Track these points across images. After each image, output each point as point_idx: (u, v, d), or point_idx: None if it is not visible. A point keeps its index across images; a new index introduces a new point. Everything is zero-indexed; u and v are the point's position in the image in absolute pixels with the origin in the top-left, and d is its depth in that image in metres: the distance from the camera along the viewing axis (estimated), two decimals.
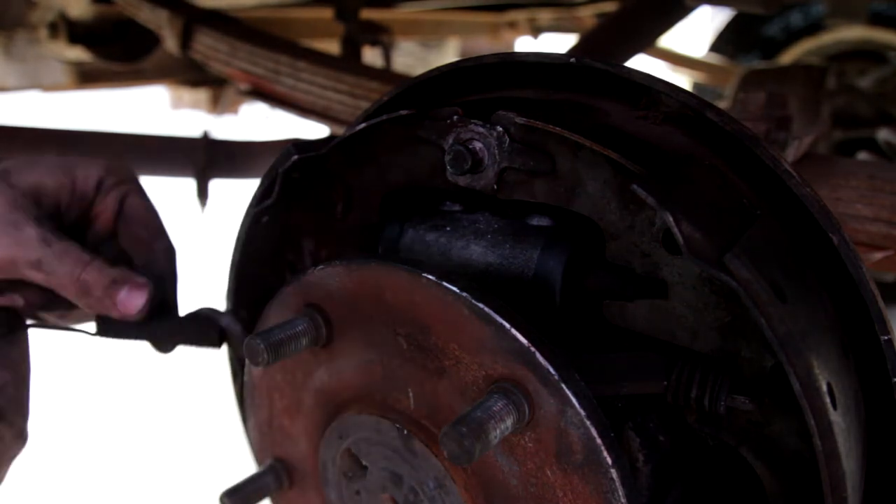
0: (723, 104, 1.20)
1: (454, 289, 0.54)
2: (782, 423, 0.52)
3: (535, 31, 3.40)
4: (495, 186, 0.59)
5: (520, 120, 0.57)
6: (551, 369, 0.50)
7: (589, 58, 0.59)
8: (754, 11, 1.59)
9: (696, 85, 3.50)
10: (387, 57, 2.20)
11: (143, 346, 0.79)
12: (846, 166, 0.97)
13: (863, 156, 1.78)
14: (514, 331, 0.52)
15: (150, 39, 2.10)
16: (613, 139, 0.55)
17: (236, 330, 0.78)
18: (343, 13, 2.06)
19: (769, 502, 0.54)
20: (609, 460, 0.50)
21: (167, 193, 2.04)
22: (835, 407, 0.48)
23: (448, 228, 0.66)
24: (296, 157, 0.68)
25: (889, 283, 2.81)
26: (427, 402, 0.59)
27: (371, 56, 2.20)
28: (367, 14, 2.25)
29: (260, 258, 0.77)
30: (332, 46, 2.32)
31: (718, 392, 0.52)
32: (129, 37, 2.13)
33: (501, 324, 0.52)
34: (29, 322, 0.78)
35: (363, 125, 0.66)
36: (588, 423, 0.50)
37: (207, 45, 1.66)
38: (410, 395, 0.60)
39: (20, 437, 0.75)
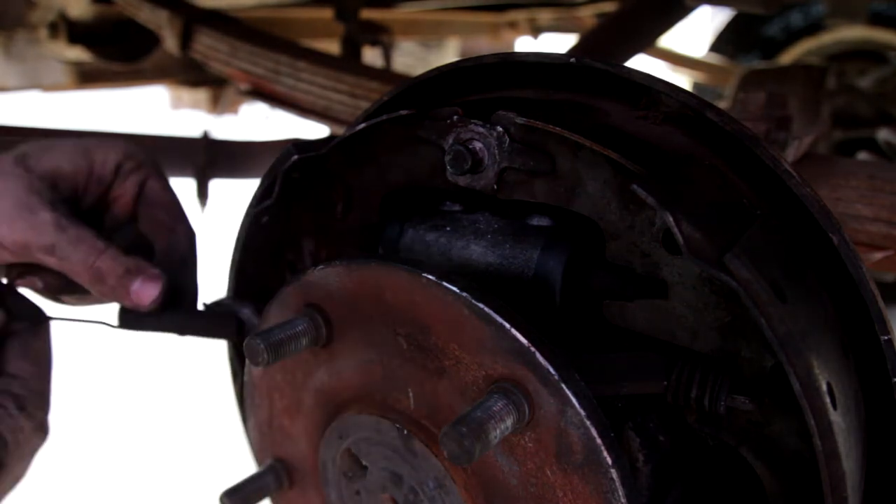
0: (723, 104, 1.20)
1: (454, 289, 0.54)
2: (782, 423, 0.52)
3: (535, 31, 3.39)
4: (495, 186, 0.59)
5: (520, 120, 0.57)
6: (551, 369, 0.50)
7: (589, 58, 0.59)
8: (754, 11, 1.59)
9: (696, 85, 3.50)
10: (387, 57, 2.20)
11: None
12: (846, 166, 0.97)
13: (863, 156, 1.79)
14: (513, 331, 0.51)
15: (149, 39, 2.10)
16: (613, 139, 0.55)
17: (255, 322, 0.77)
18: (343, 13, 2.06)
19: (769, 502, 0.54)
20: (609, 460, 0.50)
21: None
22: (835, 407, 0.48)
23: (448, 228, 0.66)
24: (296, 157, 0.68)
25: (889, 283, 2.81)
26: (427, 402, 0.59)
27: (371, 56, 2.20)
28: (367, 14, 2.25)
29: (260, 258, 0.77)
30: (332, 46, 2.32)
31: (718, 392, 0.52)
32: (129, 37, 2.13)
33: (501, 324, 0.52)
34: (52, 315, 0.78)
35: (363, 125, 0.66)
36: (588, 423, 0.50)
37: (207, 45, 1.66)
38: (410, 395, 0.59)
39: (41, 430, 0.74)
